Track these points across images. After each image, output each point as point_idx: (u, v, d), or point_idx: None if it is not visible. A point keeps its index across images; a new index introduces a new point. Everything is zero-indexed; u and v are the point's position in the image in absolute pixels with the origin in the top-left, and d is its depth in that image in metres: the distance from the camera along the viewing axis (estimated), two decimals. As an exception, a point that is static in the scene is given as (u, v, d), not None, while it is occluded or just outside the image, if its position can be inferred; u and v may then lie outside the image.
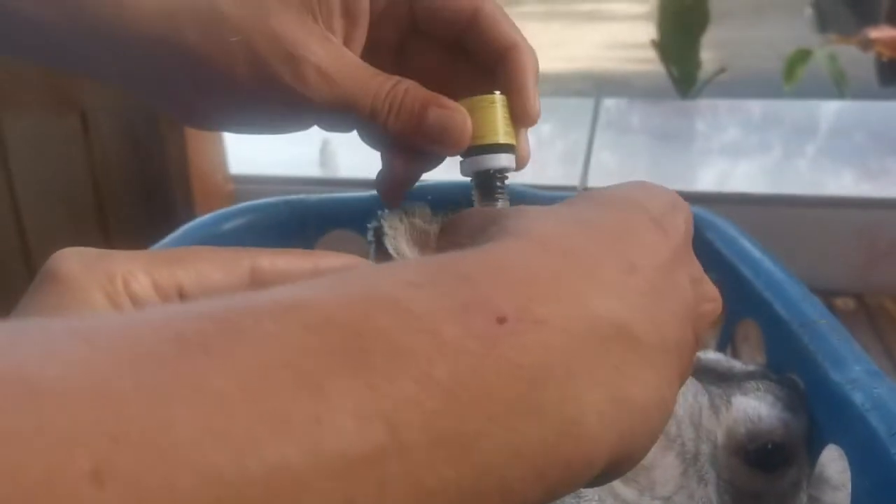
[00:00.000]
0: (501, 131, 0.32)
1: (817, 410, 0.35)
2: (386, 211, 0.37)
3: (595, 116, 1.05)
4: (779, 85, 1.58)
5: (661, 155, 0.95)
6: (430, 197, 0.45)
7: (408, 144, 0.33)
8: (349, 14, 0.33)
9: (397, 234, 0.32)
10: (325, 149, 1.11)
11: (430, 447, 0.16)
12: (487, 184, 0.33)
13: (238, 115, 0.35)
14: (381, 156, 0.36)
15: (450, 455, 0.17)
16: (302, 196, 0.54)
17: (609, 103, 1.08)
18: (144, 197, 0.85)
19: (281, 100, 0.32)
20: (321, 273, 0.30)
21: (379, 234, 0.34)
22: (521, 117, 0.33)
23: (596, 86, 5.00)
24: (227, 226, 0.52)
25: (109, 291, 0.25)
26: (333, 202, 0.54)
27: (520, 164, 0.33)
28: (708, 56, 1.10)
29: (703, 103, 1.09)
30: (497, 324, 0.18)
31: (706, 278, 0.28)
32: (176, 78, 0.33)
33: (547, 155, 0.95)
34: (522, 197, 0.53)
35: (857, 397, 0.31)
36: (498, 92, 0.32)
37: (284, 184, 0.93)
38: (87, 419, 0.13)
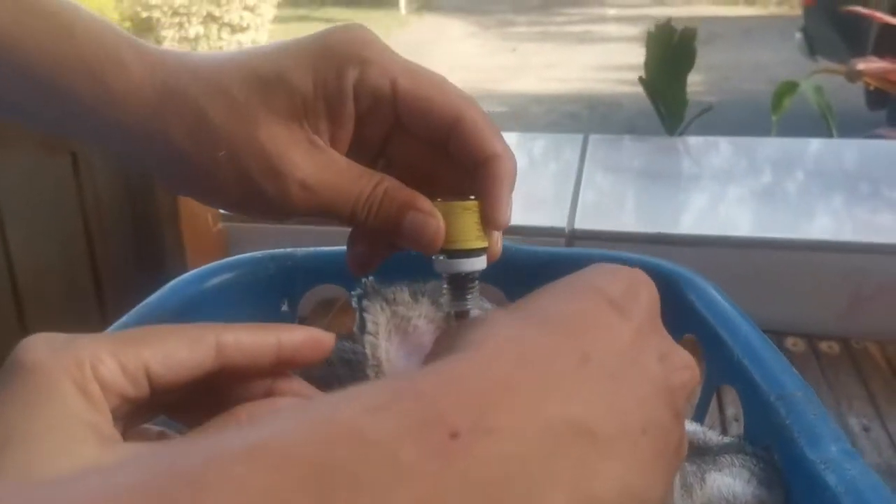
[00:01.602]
0: (474, 237, 0.34)
1: (793, 487, 0.35)
2: (368, 282, 0.38)
3: (583, 154, 1.05)
4: (766, 114, 1.60)
5: (649, 195, 0.96)
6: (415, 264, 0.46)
7: (382, 237, 0.35)
8: (334, 117, 0.33)
9: (378, 330, 0.33)
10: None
11: None
12: (459, 285, 0.34)
13: (223, 205, 0.36)
14: (350, 234, 0.37)
15: None
16: (288, 250, 0.54)
17: (597, 139, 1.09)
18: (135, 236, 0.85)
19: (265, 205, 0.33)
20: (284, 347, 0.30)
21: (363, 311, 0.35)
22: (491, 223, 0.34)
23: (588, 107, 5.05)
24: (213, 282, 0.52)
25: (77, 378, 0.26)
26: (320, 257, 0.54)
27: (490, 260, 0.35)
28: (697, 79, 1.11)
29: (691, 140, 1.10)
30: (451, 439, 0.19)
31: (677, 349, 0.29)
32: (164, 167, 0.34)
33: (534, 194, 0.95)
34: (510, 254, 0.54)
35: (832, 479, 0.32)
36: (473, 197, 0.34)
37: (275, 223, 0.93)
38: None
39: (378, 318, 0.34)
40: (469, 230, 0.33)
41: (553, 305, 0.27)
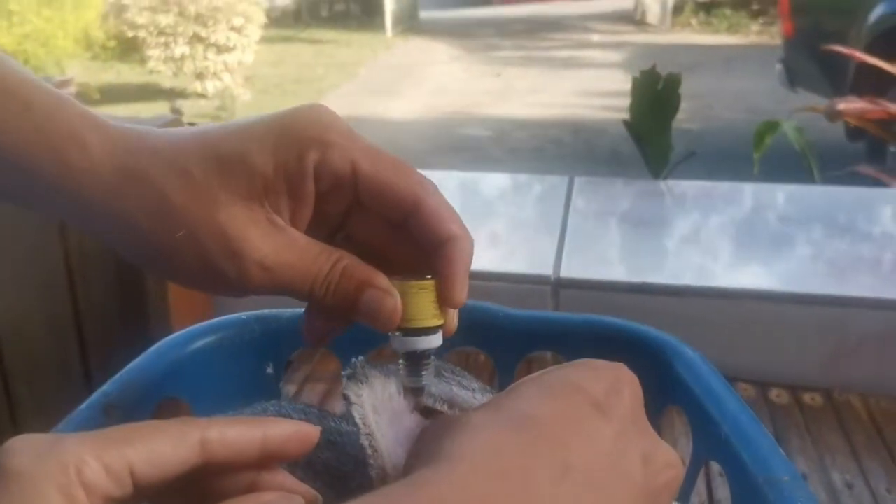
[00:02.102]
0: (430, 315, 0.34)
1: (781, 578, 0.35)
2: (358, 362, 0.38)
3: (568, 197, 1.06)
4: (749, 142, 1.62)
5: (633, 241, 0.97)
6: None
7: (339, 313, 0.35)
8: (295, 197, 0.34)
9: (363, 404, 0.33)
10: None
11: None
12: (414, 362, 0.35)
13: (183, 283, 0.36)
14: (307, 307, 0.37)
15: None
16: (275, 311, 0.54)
17: (582, 182, 1.10)
18: (118, 283, 0.85)
19: (224, 284, 0.34)
20: (269, 441, 0.30)
21: (343, 390, 0.35)
22: (447, 303, 0.34)
23: (572, 132, 5.10)
24: (197, 345, 0.51)
25: (63, 484, 0.26)
26: (306, 318, 0.53)
27: (446, 336, 0.35)
28: (681, 106, 1.12)
29: (676, 184, 1.11)
30: None
31: (661, 446, 0.29)
32: (124, 244, 0.35)
33: (520, 238, 0.95)
34: (499, 318, 0.54)
35: (820, 575, 0.32)
36: (429, 276, 0.34)
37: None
38: None
39: (359, 391, 0.35)
40: (425, 309, 0.34)
41: (534, 407, 0.27)
